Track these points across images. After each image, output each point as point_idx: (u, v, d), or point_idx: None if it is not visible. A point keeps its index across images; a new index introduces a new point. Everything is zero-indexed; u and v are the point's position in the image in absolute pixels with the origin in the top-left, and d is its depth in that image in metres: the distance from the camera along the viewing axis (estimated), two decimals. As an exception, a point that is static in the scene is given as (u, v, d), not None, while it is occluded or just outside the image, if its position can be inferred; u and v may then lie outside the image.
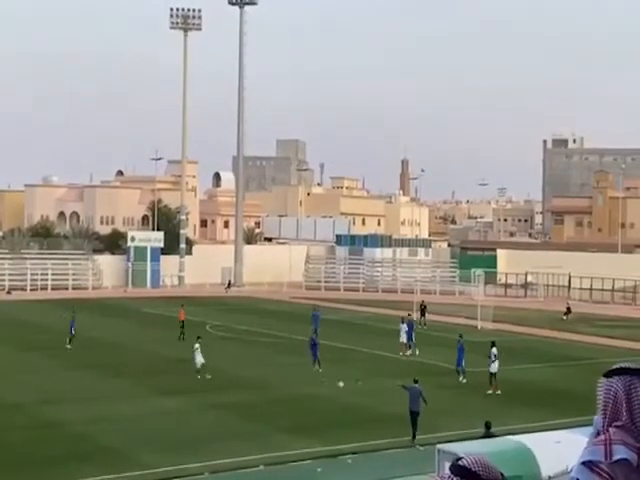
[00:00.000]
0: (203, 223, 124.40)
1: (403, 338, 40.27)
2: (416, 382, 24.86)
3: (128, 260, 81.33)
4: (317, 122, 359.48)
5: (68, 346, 40.49)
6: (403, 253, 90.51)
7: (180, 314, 45.77)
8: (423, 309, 53.76)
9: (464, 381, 32.60)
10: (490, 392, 30.43)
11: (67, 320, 42.83)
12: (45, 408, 27.45)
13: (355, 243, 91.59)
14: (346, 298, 72.11)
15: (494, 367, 30.73)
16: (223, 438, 24.09)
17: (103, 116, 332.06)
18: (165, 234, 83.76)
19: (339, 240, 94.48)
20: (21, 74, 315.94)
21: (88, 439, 23.52)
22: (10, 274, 74.89)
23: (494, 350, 31.05)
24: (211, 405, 28.29)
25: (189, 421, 26.00)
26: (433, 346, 42.03)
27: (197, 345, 33.51)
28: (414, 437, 23.55)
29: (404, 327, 40.58)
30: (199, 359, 33.08)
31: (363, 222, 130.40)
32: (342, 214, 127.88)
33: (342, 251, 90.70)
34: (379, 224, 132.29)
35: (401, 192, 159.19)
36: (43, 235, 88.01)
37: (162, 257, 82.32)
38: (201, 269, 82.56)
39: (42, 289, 73.77)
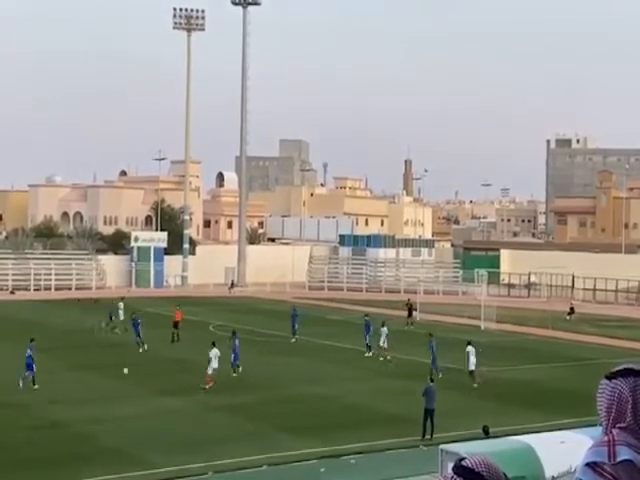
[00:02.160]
0: (206, 223, 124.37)
1: (384, 342, 39.46)
2: (432, 381, 25.76)
3: (131, 260, 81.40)
4: (320, 122, 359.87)
5: (143, 348, 40.14)
6: (406, 253, 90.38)
7: (177, 315, 44.90)
8: (410, 308, 53.78)
9: (440, 376, 31.92)
10: (476, 385, 31.15)
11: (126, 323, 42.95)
12: (50, 408, 27.48)
13: (358, 243, 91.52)
14: (349, 298, 72.08)
15: (471, 364, 31.77)
16: (226, 438, 24.08)
17: (106, 116, 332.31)
18: (168, 234, 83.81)
19: (342, 240, 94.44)
20: (22, 73, 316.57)
21: (91, 439, 23.55)
22: (14, 274, 74.97)
23: (469, 348, 32.06)
24: (214, 405, 28.30)
25: (192, 421, 26.01)
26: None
27: (214, 352, 31.48)
28: (432, 434, 23.63)
29: (385, 330, 39.91)
30: (214, 365, 31.28)
31: (366, 222, 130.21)
32: (345, 214, 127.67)
33: (345, 251, 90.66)
34: (382, 224, 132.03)
35: (404, 192, 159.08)
36: (47, 235, 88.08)
37: (165, 257, 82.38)
38: (204, 269, 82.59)
39: (46, 289, 73.85)
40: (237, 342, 34.57)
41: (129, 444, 23.12)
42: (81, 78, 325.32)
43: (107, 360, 37.64)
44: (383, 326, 40.14)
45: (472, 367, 31.92)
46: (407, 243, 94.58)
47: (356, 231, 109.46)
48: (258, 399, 29.63)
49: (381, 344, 39.52)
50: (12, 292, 72.41)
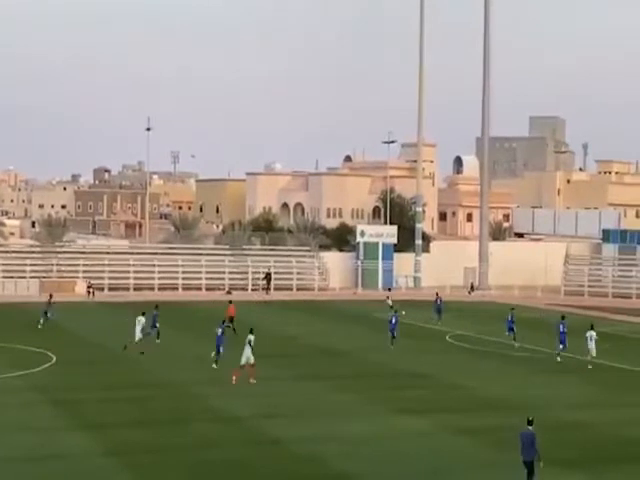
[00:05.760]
0: (442, 216, 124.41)
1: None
2: (529, 423, 21.25)
3: (357, 258, 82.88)
4: (578, 94, 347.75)
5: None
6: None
7: (230, 310, 49.39)
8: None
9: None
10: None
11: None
12: (267, 422, 28.36)
13: (627, 240, 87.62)
14: (615, 306, 69.33)
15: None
16: (472, 468, 23.69)
17: (327, 95, 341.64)
18: (399, 228, 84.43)
19: (607, 236, 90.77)
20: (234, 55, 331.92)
21: (317, 461, 23.97)
22: (230, 272, 78.74)
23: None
24: (457, 428, 27.94)
25: (434, 446, 25.77)
26: None
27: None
28: None
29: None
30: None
31: (637, 214, 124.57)
32: (610, 205, 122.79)
33: (610, 249, 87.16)
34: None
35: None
36: (265, 229, 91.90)
37: (395, 255, 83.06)
38: (440, 269, 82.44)
39: (263, 289, 76.88)
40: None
41: (361, 470, 23.29)
42: (300, 55, 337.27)
43: (330, 371, 38.37)
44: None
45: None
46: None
47: (624, 225, 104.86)
48: (509, 423, 28.95)
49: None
50: (229, 292, 76.02)
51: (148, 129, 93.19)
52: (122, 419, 28.47)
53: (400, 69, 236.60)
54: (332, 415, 29.59)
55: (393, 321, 45.55)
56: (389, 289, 69.46)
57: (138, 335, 40.83)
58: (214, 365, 37.16)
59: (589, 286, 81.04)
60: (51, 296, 53.60)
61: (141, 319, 41.24)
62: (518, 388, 35.28)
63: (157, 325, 44.53)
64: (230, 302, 51.66)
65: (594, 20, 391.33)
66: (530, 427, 21.10)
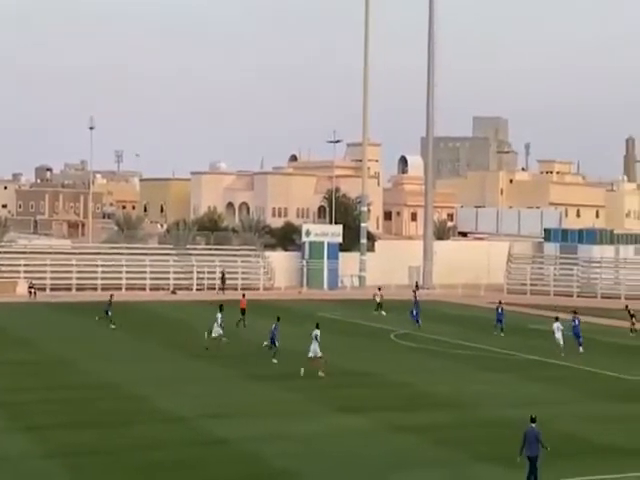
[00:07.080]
0: (387, 215, 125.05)
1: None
2: (532, 421, 22.33)
3: (302, 257, 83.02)
4: (521, 95, 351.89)
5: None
6: (628, 251, 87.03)
7: (241, 302, 52.36)
8: (632, 315, 52.77)
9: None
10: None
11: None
12: (212, 422, 28.39)
13: (568, 239, 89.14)
14: (557, 304, 70.25)
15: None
16: (411, 465, 23.96)
17: (272, 94, 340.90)
18: (344, 228, 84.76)
19: (548, 235, 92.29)
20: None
21: (259, 461, 24.06)
22: (175, 272, 78.39)
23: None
24: (399, 426, 28.26)
25: (373, 443, 26.06)
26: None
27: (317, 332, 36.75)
28: None
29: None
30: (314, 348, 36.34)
31: (578, 214, 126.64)
32: (552, 204, 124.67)
33: (552, 248, 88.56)
34: (597, 216, 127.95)
35: (625, 178, 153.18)
36: (210, 228, 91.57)
37: (341, 254, 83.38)
38: (385, 268, 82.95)
39: (209, 289, 76.65)
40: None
41: (303, 468, 23.41)
42: (248, 53, 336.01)
43: (274, 370, 38.45)
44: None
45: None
46: (629, 239, 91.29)
47: (565, 224, 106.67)
48: (450, 420, 29.37)
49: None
50: (173, 292, 75.73)
51: (91, 128, 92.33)
52: (64, 420, 28.27)
53: (347, 69, 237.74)
54: (278, 414, 29.71)
55: (414, 312, 53.54)
56: (379, 288, 68.47)
57: (218, 331, 42.26)
58: (274, 360, 39.05)
59: (531, 284, 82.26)
60: (112, 296, 54.23)
61: (219, 315, 42.66)
62: (463, 386, 35.73)
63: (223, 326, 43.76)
64: (243, 295, 55.34)
65: (533, 21, 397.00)
66: (533, 425, 21.98)
